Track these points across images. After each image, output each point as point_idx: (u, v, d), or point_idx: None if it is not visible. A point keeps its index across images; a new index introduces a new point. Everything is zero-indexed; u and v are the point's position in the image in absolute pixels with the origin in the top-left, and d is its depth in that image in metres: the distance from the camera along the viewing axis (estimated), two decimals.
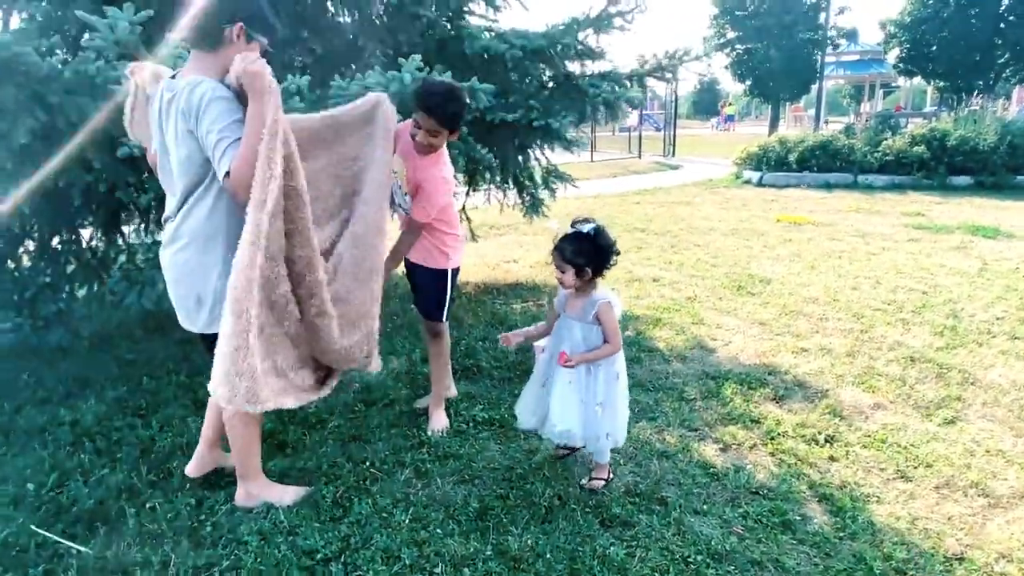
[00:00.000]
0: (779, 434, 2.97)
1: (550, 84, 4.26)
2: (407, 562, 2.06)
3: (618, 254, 2.36)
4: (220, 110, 1.94)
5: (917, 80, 26.62)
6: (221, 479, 2.51)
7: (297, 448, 2.77)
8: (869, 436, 2.97)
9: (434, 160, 2.69)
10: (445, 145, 2.79)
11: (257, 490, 2.34)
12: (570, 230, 2.34)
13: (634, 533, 2.24)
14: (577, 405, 2.39)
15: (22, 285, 3.80)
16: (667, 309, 4.74)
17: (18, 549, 2.09)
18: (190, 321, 2.19)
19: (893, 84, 29.49)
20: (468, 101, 2.71)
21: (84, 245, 4.21)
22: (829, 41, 22.90)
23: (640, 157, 18.23)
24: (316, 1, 4.15)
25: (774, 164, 12.18)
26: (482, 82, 4.01)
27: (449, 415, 3.02)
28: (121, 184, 3.30)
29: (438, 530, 2.22)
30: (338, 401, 3.19)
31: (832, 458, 2.79)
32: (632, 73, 4.20)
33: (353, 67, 4.41)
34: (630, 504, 2.40)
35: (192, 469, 2.48)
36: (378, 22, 4.52)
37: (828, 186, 11.36)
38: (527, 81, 4.18)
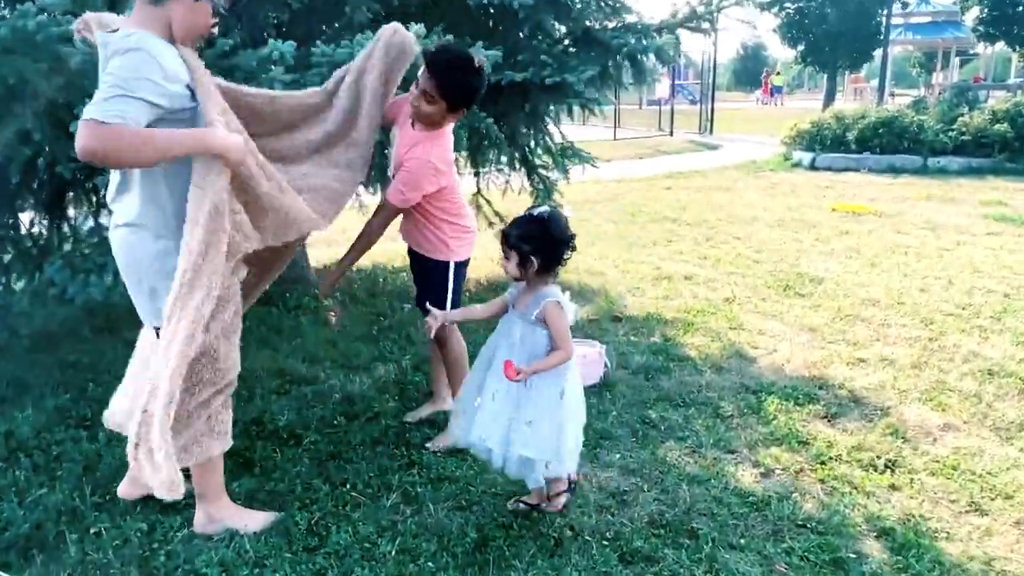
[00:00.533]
0: (831, 458, 2.96)
1: (566, 41, 4.25)
2: None
3: (573, 249, 2.34)
4: (134, 62, 1.91)
5: (1000, 47, 26.45)
6: (178, 501, 2.51)
7: (266, 467, 2.78)
8: (938, 462, 2.96)
9: (428, 138, 2.69)
10: (450, 129, 2.78)
11: (219, 513, 2.35)
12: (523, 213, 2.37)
13: (658, 570, 2.24)
14: (504, 422, 2.35)
15: None
16: (701, 312, 4.74)
17: None
18: (143, 313, 2.21)
19: (971, 51, 29.26)
20: (483, 80, 2.66)
21: (24, 231, 4.25)
22: None
23: (672, 135, 18.26)
24: None
25: (829, 144, 12.17)
26: (489, 40, 4.01)
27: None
28: (63, 159, 3.32)
29: (429, 563, 2.23)
30: (314, 414, 3.21)
31: (893, 487, 2.78)
32: (662, 24, 4.18)
33: (336, 25, 4.43)
34: (654, 537, 2.40)
35: (125, 490, 2.51)
36: None
37: (893, 170, 11.32)
38: (539, 38, 4.18)
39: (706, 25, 4.12)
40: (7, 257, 4.13)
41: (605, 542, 2.37)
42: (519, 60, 4.08)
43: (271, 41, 2.94)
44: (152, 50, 1.96)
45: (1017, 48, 24.75)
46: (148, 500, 2.50)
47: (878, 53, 23.02)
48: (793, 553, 2.36)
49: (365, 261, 4.77)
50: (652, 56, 4.14)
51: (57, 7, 2.91)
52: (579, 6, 4.12)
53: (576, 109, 4.34)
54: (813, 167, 11.87)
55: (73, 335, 4.13)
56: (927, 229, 7.29)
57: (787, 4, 25.22)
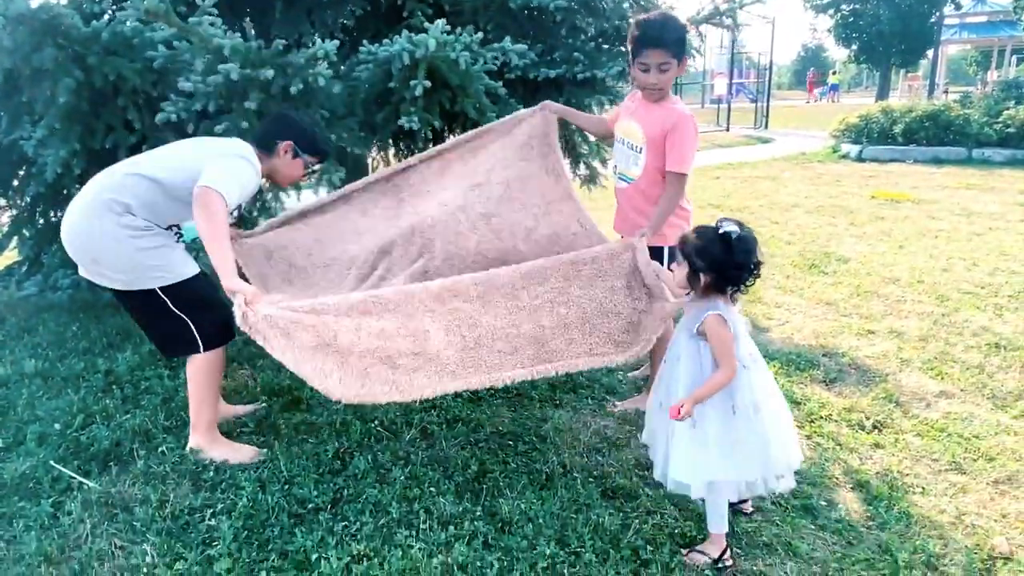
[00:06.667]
0: (821, 417, 2.84)
1: (599, 39, 4.17)
2: (394, 516, 2.12)
3: (758, 276, 1.92)
4: (245, 170, 2.29)
5: None
6: (235, 428, 2.65)
7: (312, 405, 2.86)
8: (926, 424, 2.79)
9: (673, 100, 2.54)
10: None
11: (205, 445, 2.43)
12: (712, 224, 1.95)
13: (635, 505, 2.21)
14: (689, 450, 1.95)
15: None
16: None
17: (34, 481, 2.30)
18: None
19: None
20: (686, 24, 2.50)
21: None
22: (950, 0, 21.17)
23: (728, 130, 17.63)
24: None
25: (876, 137, 11.50)
26: (528, 39, 3.97)
27: None
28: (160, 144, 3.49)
29: (431, 489, 2.27)
30: None
31: (877, 445, 2.64)
32: (688, 21, 4.04)
33: (395, 29, 4.49)
34: (637, 476, 2.37)
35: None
36: None
37: (938, 161, 10.61)
38: (575, 37, 4.11)
39: (728, 21, 3.95)
40: None
41: (591, 479, 2.35)
42: (555, 58, 4.03)
43: (317, 41, 3.00)
44: (256, 168, 2.39)
45: None
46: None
47: (932, 51, 21.51)
48: (765, 498, 2.27)
49: None
50: None
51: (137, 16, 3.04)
52: (611, 5, 4.03)
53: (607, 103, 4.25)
54: (860, 159, 11.23)
55: None
56: (961, 215, 6.81)
57: (842, 6, 23.84)
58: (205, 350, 2.39)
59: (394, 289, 2.18)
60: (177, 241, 2.39)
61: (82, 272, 2.39)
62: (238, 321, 1.92)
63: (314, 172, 2.63)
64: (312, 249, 2.70)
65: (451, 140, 2.95)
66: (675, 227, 2.54)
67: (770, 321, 3.96)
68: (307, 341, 1.96)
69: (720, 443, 1.92)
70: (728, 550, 2.01)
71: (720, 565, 1.99)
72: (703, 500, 2.02)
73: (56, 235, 4.39)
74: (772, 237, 6.02)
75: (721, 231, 1.89)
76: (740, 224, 1.92)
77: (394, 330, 2.06)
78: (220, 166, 2.20)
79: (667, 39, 2.39)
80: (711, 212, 7.32)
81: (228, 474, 2.32)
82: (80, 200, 2.28)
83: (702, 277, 1.91)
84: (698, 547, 2.03)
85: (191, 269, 2.38)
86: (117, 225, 2.22)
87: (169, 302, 2.32)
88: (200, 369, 2.40)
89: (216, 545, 1.99)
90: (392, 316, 2.07)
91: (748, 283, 1.93)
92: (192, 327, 2.36)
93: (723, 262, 1.88)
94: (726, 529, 2.00)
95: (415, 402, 2.84)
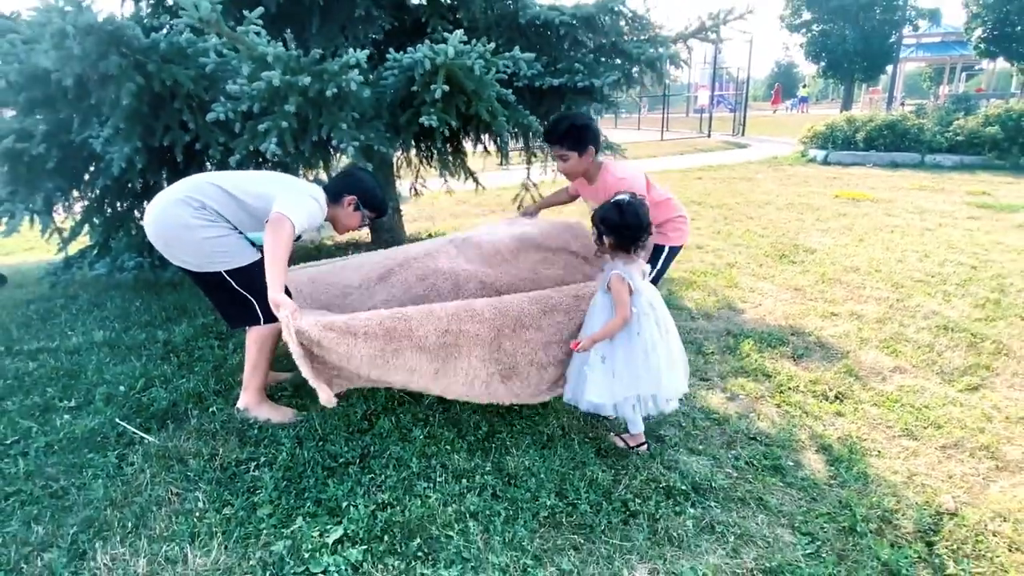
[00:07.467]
0: (789, 388, 2.81)
1: (597, 52, 4.10)
2: (414, 470, 2.11)
3: (645, 236, 2.09)
4: (314, 207, 2.29)
5: (1005, 65, 23.80)
6: (276, 392, 2.64)
7: None
8: (882, 396, 2.76)
9: (604, 173, 2.52)
10: (613, 160, 2.61)
11: (252, 406, 2.45)
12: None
13: (625, 464, 2.19)
14: (602, 379, 2.14)
15: (144, 232, 4.11)
16: (704, 273, 4.55)
17: (102, 436, 2.30)
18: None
19: (976, 67, 26.46)
20: (584, 122, 2.47)
21: None
22: (908, 21, 20.73)
23: (709, 136, 17.42)
24: None
25: (840, 143, 11.33)
26: (536, 52, 3.90)
27: None
28: (213, 143, 3.46)
29: (447, 446, 2.26)
30: None
31: (839, 413, 2.61)
32: (677, 36, 3.97)
33: (418, 42, 4.42)
34: None
35: None
36: (445, 1, 4.49)
37: (894, 165, 10.45)
38: (576, 50, 4.04)
39: (712, 36, 3.86)
40: None
41: (587, 440, 2.33)
42: (558, 68, 3.96)
43: (350, 51, 2.95)
44: (323, 209, 2.40)
45: (1016, 63, 22.11)
46: None
47: (892, 68, 21.17)
48: (740, 459, 2.26)
49: None
50: (668, 62, 3.93)
51: (192, 25, 3.00)
52: (609, 22, 3.95)
53: (605, 108, 4.19)
54: (826, 162, 11.08)
55: None
56: (915, 213, 6.72)
57: (812, 26, 23.42)
58: (265, 323, 2.39)
59: (416, 309, 2.14)
60: (240, 234, 2.38)
61: (163, 253, 2.41)
62: (283, 330, 1.94)
63: (367, 225, 2.67)
64: (333, 284, 2.80)
65: None
66: (678, 231, 2.64)
67: (745, 304, 3.92)
68: (329, 359, 2.00)
69: (624, 374, 2.12)
70: (645, 445, 2.27)
71: (636, 452, 2.26)
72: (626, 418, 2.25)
73: (122, 222, 4.41)
74: (747, 231, 5.96)
75: (616, 200, 2.09)
76: (634, 196, 2.11)
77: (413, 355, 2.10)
78: (294, 199, 2.24)
79: (553, 134, 2.47)
80: (694, 208, 7.25)
81: (270, 432, 2.31)
82: (164, 194, 2.32)
83: (605, 240, 2.11)
84: (624, 435, 2.29)
85: (252, 256, 2.37)
86: (190, 216, 2.24)
87: (234, 283, 2.32)
88: (258, 339, 2.40)
89: (259, 493, 1.99)
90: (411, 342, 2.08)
91: (641, 241, 2.10)
92: (255, 304, 2.36)
93: (617, 224, 2.08)
94: (641, 429, 2.26)
95: None
